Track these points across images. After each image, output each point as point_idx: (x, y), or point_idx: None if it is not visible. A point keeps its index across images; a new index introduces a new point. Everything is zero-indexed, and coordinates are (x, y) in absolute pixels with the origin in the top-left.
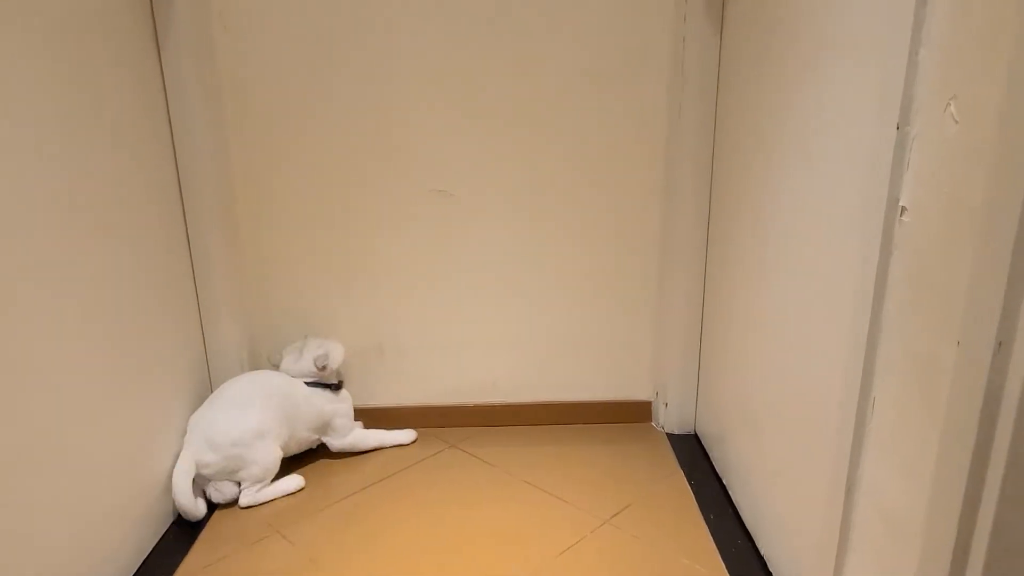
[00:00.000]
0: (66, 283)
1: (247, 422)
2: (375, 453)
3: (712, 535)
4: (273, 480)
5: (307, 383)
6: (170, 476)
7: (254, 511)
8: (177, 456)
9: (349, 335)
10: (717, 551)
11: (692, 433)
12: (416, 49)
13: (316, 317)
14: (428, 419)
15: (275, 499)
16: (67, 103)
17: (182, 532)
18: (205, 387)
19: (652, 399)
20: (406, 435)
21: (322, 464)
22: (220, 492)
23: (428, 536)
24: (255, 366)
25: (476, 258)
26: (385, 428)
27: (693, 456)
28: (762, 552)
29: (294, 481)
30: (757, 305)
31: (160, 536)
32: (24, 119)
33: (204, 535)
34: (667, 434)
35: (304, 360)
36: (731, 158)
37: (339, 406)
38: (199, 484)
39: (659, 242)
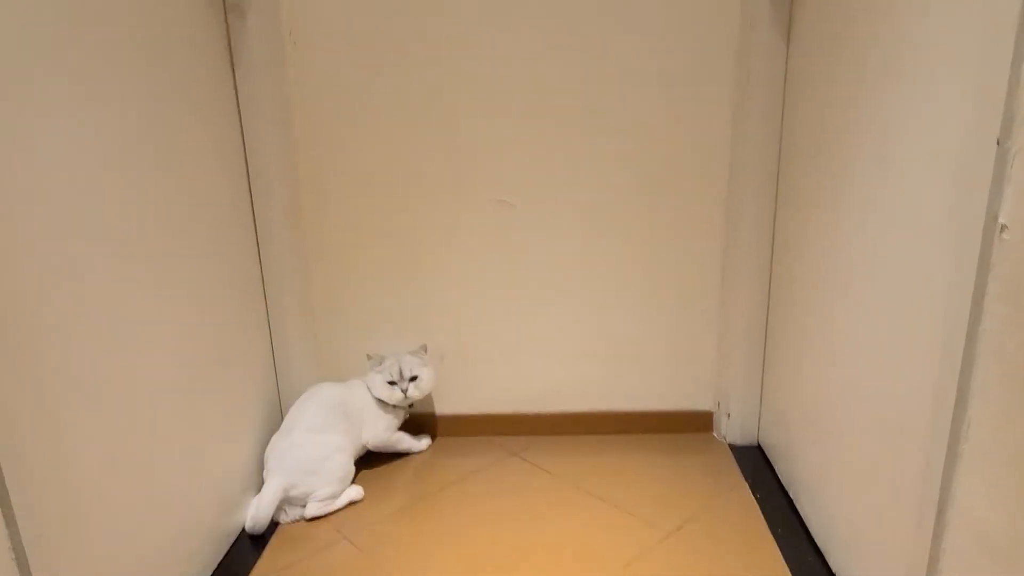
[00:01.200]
0: (158, 292)
1: (330, 445)
2: (436, 461)
3: (780, 550)
4: None
5: (378, 399)
6: (238, 487)
7: (320, 519)
8: (243, 468)
9: (410, 343)
10: (787, 567)
11: (755, 444)
12: (479, 59)
13: (378, 324)
14: (488, 427)
15: (340, 509)
16: (155, 120)
17: (250, 541)
18: (274, 394)
19: (714, 409)
20: (423, 443)
21: (383, 471)
22: (288, 513)
23: (491, 545)
24: (320, 375)
25: (537, 267)
26: (443, 436)
27: (756, 468)
28: (834, 570)
29: (356, 491)
30: (831, 315)
31: (231, 544)
32: (121, 137)
33: (273, 542)
34: (729, 445)
35: (396, 388)
36: (800, 164)
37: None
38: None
39: (722, 250)
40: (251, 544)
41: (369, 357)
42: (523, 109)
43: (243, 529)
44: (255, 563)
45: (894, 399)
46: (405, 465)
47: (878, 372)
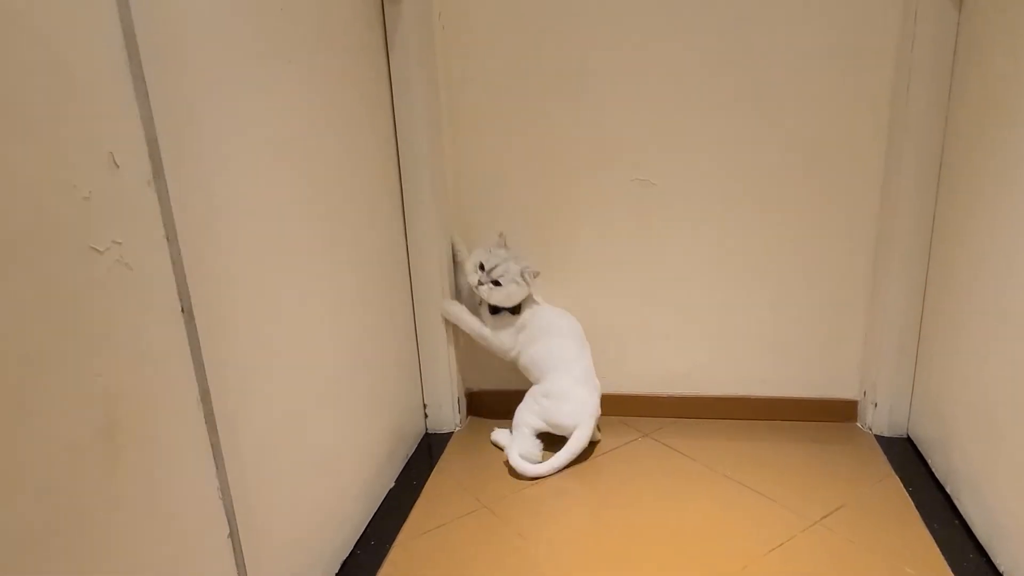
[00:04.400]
0: (328, 264)
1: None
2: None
3: (938, 545)
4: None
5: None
6: (384, 451)
7: (465, 487)
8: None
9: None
10: (946, 563)
11: (904, 436)
12: (626, 39)
13: None
14: (619, 407)
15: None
16: (320, 105)
17: (400, 500)
18: (416, 379)
19: (859, 398)
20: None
21: None
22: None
23: (631, 522)
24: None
25: (675, 247)
26: None
27: (906, 460)
28: (1001, 569)
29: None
30: (1004, 303)
31: (379, 503)
32: (295, 126)
33: (419, 504)
34: (876, 436)
35: (475, 274)
36: (969, 143)
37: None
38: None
39: (875, 232)
40: (401, 503)
41: (500, 235)
42: (668, 89)
43: (395, 485)
44: (404, 520)
45: None
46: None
47: None
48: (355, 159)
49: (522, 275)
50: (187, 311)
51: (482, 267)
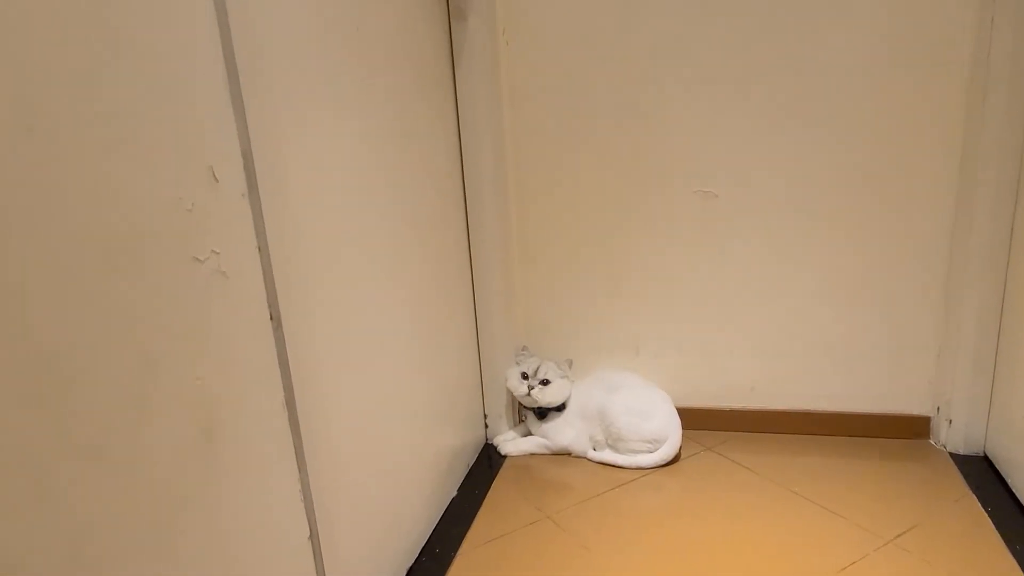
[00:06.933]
0: (395, 269)
1: None
2: None
3: (1021, 568)
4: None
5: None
6: (446, 463)
7: (526, 498)
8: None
9: (604, 333)
10: None
11: (981, 455)
12: (688, 49)
13: (574, 316)
14: (683, 421)
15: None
16: (394, 117)
17: (463, 509)
18: (476, 376)
19: (932, 415)
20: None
21: (582, 460)
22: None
23: (696, 536)
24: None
25: (738, 259)
26: None
27: (983, 480)
28: None
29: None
30: None
31: (443, 512)
32: (372, 141)
33: (481, 514)
34: (950, 453)
35: (524, 384)
36: None
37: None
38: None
39: (948, 243)
40: (465, 510)
41: (523, 349)
42: (731, 97)
43: (455, 497)
44: (468, 528)
45: None
46: None
47: None
48: (425, 171)
49: (560, 368)
50: (275, 319)
51: (524, 376)
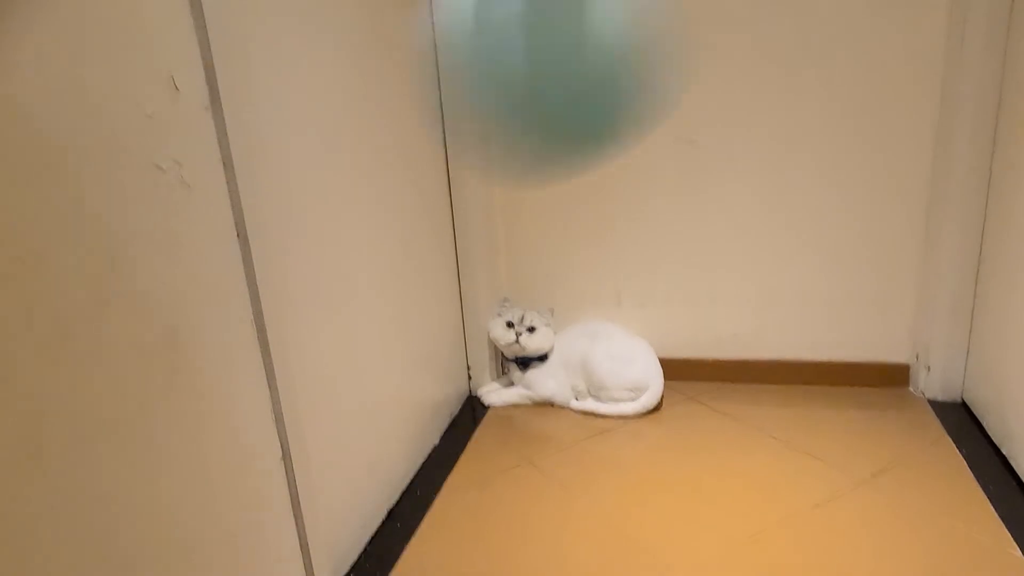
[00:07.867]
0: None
1: None
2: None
3: (992, 504)
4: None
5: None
6: (428, 414)
7: (508, 445)
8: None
9: (587, 283)
10: (1001, 522)
11: (959, 401)
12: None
13: (557, 267)
14: (665, 371)
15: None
16: (370, 31)
17: (445, 455)
18: (459, 331)
19: (911, 362)
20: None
21: (565, 410)
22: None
23: (673, 479)
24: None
25: (720, 208)
26: None
27: (961, 424)
28: None
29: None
30: None
31: (425, 457)
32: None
33: (463, 459)
34: (929, 400)
35: (511, 331)
36: None
37: None
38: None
39: (927, 190)
40: (447, 455)
41: (505, 300)
42: (709, 44)
43: (439, 443)
44: (449, 473)
45: None
46: None
47: None
48: (406, 105)
49: (542, 315)
50: (242, 236)
51: (510, 324)
